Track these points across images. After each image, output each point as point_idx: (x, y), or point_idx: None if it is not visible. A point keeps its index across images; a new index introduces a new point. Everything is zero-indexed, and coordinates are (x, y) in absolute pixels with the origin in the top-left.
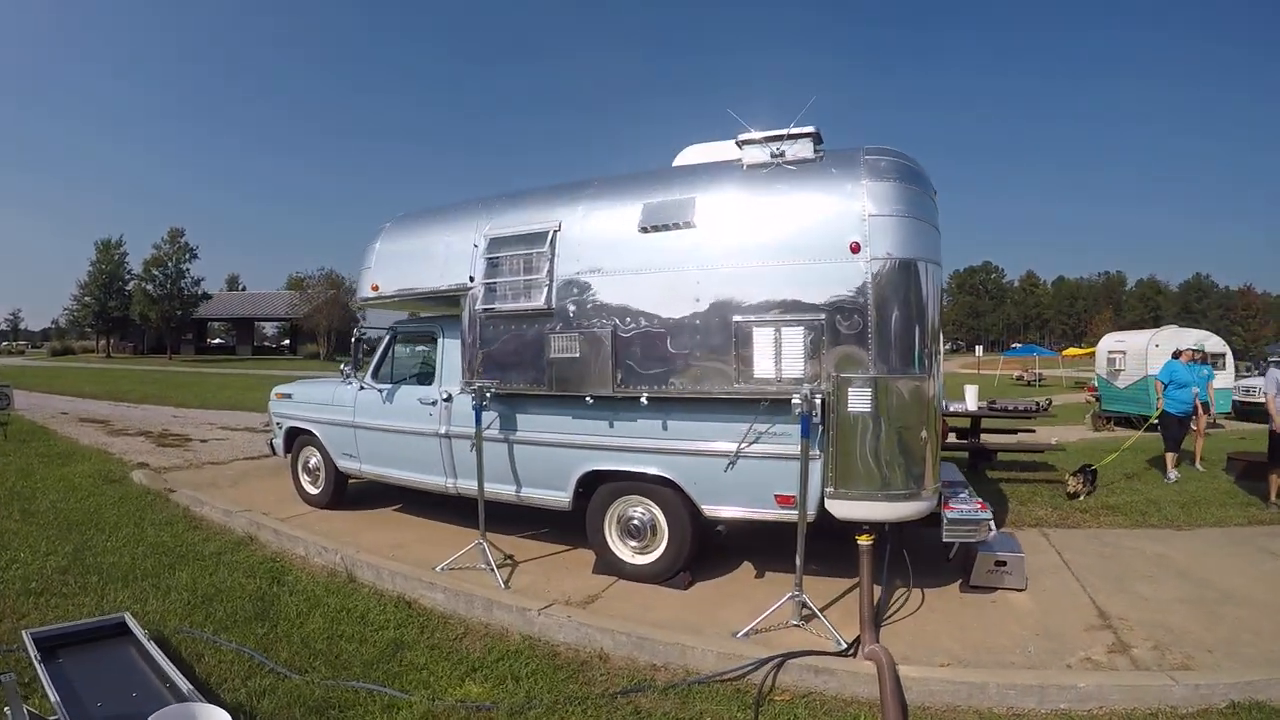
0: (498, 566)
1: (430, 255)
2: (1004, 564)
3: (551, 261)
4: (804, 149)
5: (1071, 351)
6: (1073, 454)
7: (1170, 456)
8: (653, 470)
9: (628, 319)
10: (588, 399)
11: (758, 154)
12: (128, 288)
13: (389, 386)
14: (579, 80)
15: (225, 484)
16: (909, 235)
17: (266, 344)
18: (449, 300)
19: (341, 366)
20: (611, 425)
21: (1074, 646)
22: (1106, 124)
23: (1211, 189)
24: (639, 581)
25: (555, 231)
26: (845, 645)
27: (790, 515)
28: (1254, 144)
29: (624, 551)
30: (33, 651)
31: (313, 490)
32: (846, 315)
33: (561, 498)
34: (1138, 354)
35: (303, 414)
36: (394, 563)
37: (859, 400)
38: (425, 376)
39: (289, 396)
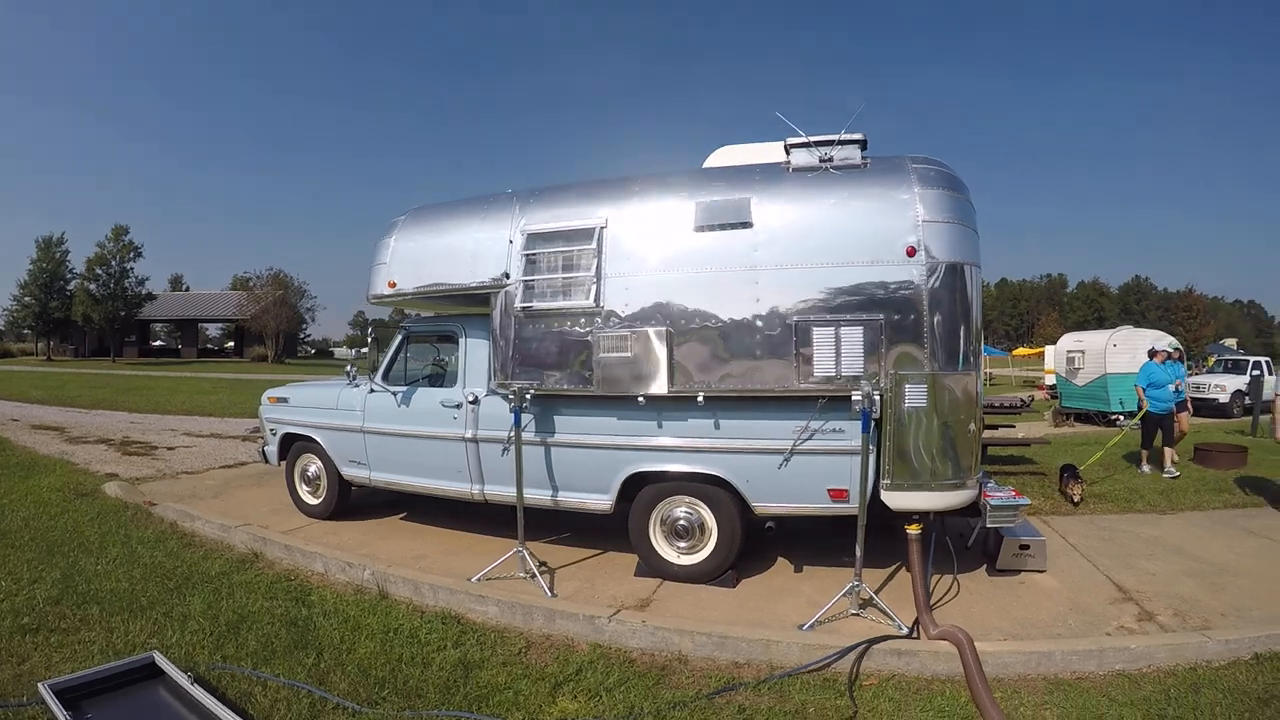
0: (537, 574)
1: (455, 251)
2: (1027, 548)
3: (599, 259)
4: (851, 155)
5: (1021, 351)
6: (1057, 447)
7: (1145, 454)
8: (704, 469)
9: (683, 318)
10: (640, 399)
11: (805, 158)
12: (69, 287)
13: (404, 389)
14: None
15: (207, 495)
16: (958, 240)
17: (209, 346)
18: (476, 298)
19: (347, 368)
20: (660, 425)
21: (1107, 617)
22: (1044, 124)
23: (1152, 194)
24: (686, 582)
25: (602, 228)
26: (907, 629)
27: (842, 508)
28: (1193, 146)
29: (670, 553)
30: (56, 708)
31: (312, 501)
32: (903, 315)
33: (603, 501)
34: (1096, 353)
35: (302, 419)
36: (434, 576)
37: (915, 396)
38: (445, 378)
39: (284, 401)
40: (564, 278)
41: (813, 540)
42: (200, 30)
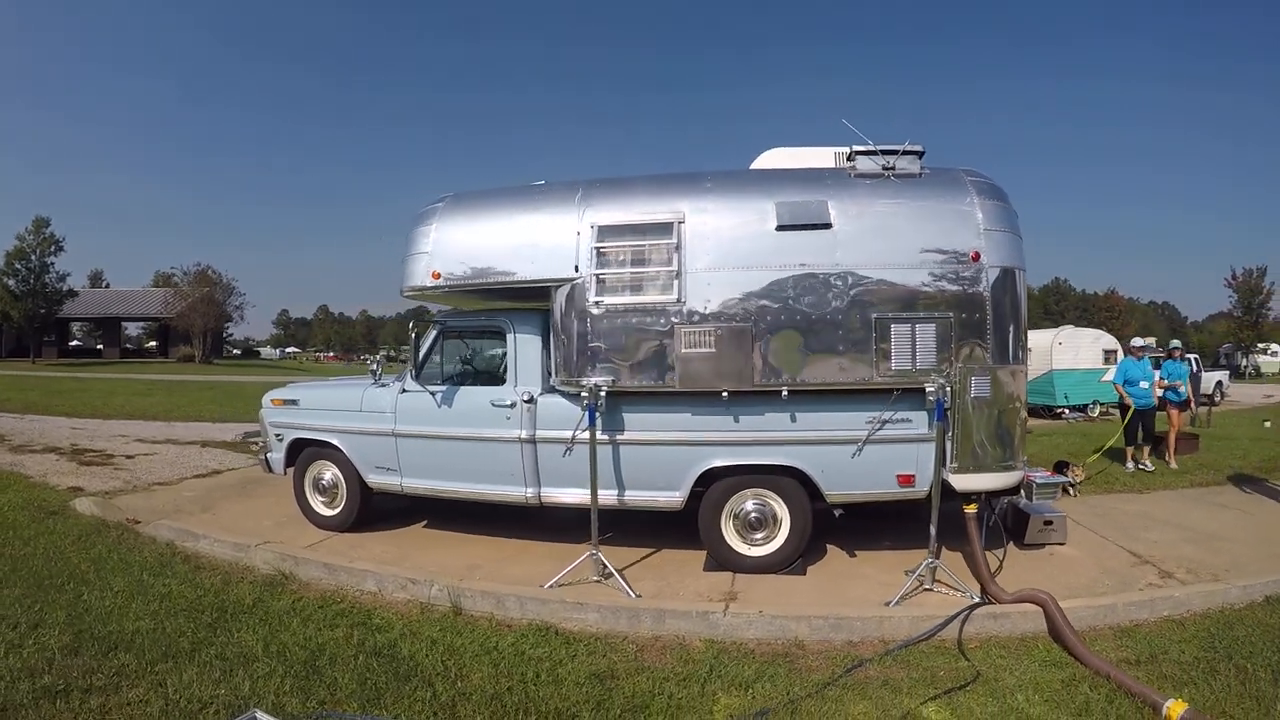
0: (605, 577)
1: (512, 242)
2: (1051, 523)
3: (678, 254)
4: (911, 165)
5: None
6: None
7: (1130, 450)
8: (780, 461)
9: (767, 314)
10: (723, 394)
11: (869, 165)
12: None
13: (443, 389)
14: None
15: (194, 508)
16: (1011, 247)
17: (128, 346)
18: (519, 292)
19: (371, 367)
20: (736, 420)
21: (1134, 577)
22: (961, 125)
23: (1071, 200)
24: (757, 573)
25: (680, 223)
26: (979, 598)
27: (908, 493)
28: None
29: (741, 545)
30: None
31: (327, 511)
32: (969, 314)
33: (675, 498)
34: (1042, 351)
35: (316, 423)
36: (517, 587)
37: (979, 387)
38: (492, 376)
39: (293, 403)
40: (641, 272)
41: (843, 526)
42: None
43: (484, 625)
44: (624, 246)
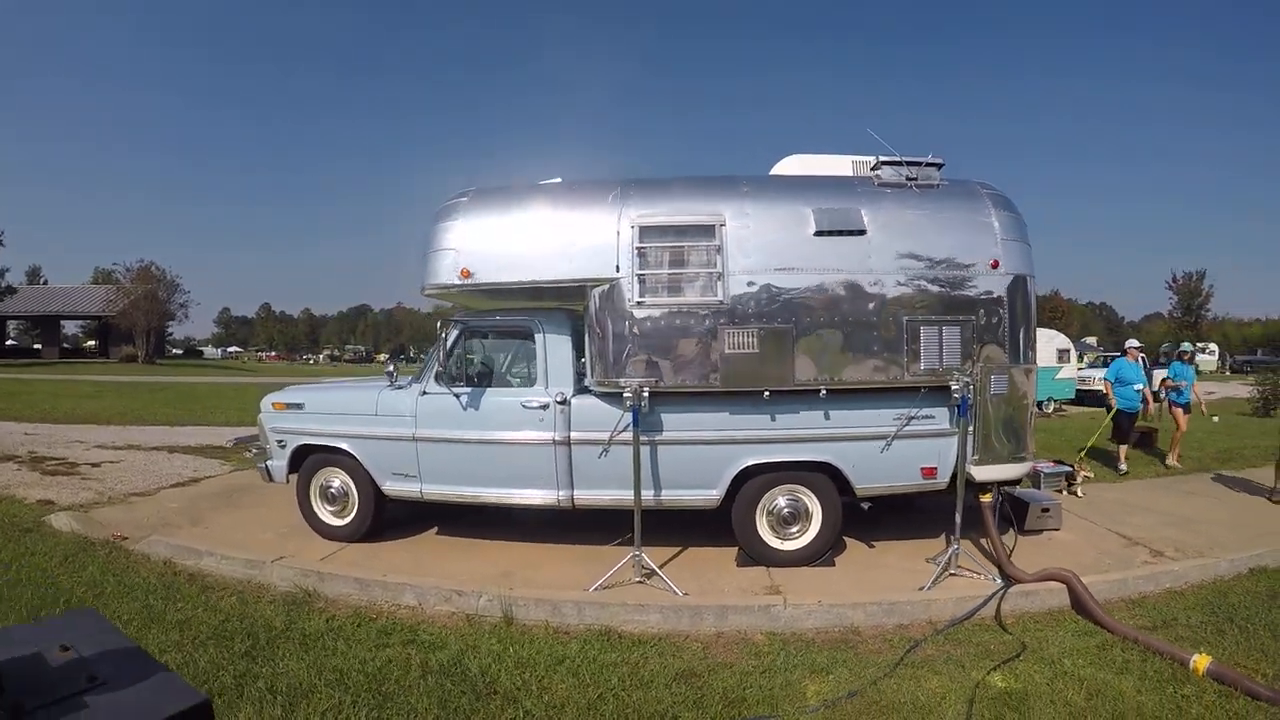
0: (646, 577)
1: (546, 240)
2: (1047, 510)
3: (721, 256)
4: (931, 175)
5: None
6: None
7: (1123, 449)
8: (814, 457)
9: (806, 315)
10: (765, 394)
11: (892, 175)
12: None
13: (468, 391)
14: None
15: (181, 521)
16: (1023, 256)
17: (65, 345)
18: (544, 291)
19: (387, 368)
20: (773, 418)
21: (1131, 557)
22: (899, 123)
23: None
24: (789, 567)
25: (721, 225)
26: (999, 580)
27: (930, 484)
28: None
29: (775, 540)
30: None
31: (336, 521)
32: (988, 317)
33: (712, 496)
34: None
35: (325, 428)
36: (576, 593)
37: (998, 385)
38: (518, 377)
39: (298, 407)
40: (684, 273)
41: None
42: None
43: (541, 634)
44: (666, 247)
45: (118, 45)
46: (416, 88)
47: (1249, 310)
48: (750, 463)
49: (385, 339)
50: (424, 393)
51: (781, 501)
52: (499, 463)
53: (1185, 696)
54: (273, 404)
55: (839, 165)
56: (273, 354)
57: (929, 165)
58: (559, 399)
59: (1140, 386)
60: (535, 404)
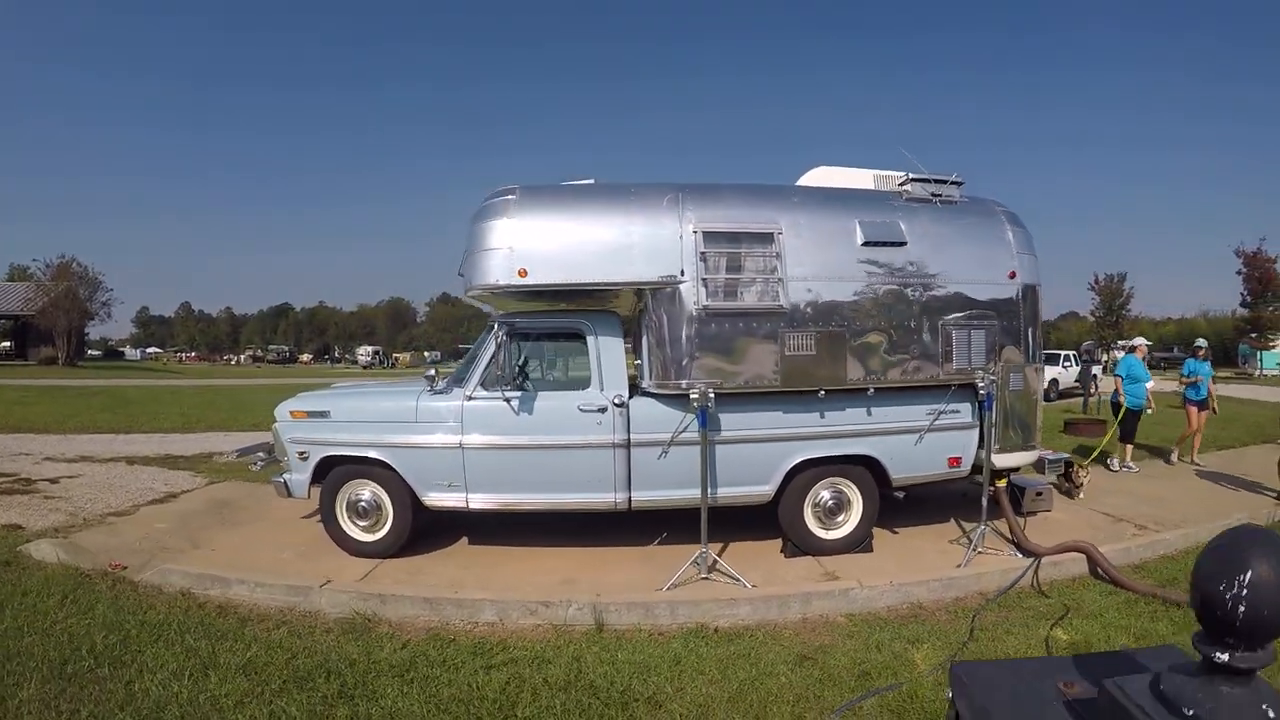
0: (709, 572)
1: (606, 242)
2: (1041, 494)
3: (780, 262)
4: (953, 193)
5: None
6: None
7: (1128, 448)
8: (859, 451)
9: (856, 320)
10: (820, 393)
11: (919, 190)
12: None
13: (518, 395)
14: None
15: (180, 544)
16: (1034, 267)
17: None
18: (591, 293)
19: (428, 372)
20: (822, 416)
21: (1120, 531)
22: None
23: None
24: (833, 555)
25: (779, 233)
26: (1023, 554)
27: (955, 473)
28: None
29: (820, 530)
30: None
31: (367, 537)
32: (1008, 321)
33: (765, 491)
34: None
35: (357, 438)
36: (664, 594)
37: (1016, 382)
38: (568, 381)
39: (322, 415)
40: (745, 278)
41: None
42: None
43: (639, 637)
44: (728, 253)
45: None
46: (344, 84)
47: (1160, 311)
48: (802, 458)
49: (308, 339)
50: (470, 398)
51: (826, 494)
52: (554, 468)
53: None
54: (290, 413)
55: (861, 179)
56: (193, 355)
57: (952, 183)
58: (617, 401)
59: (1151, 385)
60: (593, 407)
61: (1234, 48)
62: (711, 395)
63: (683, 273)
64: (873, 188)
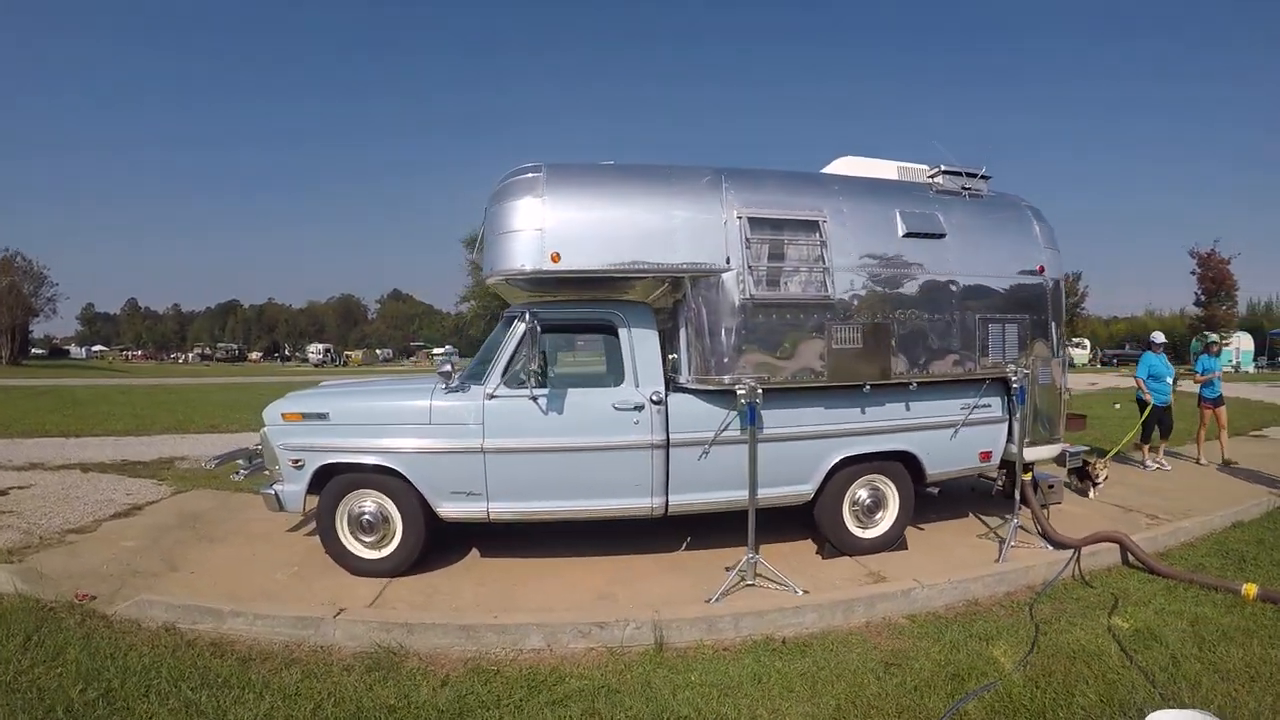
0: (754, 579)
1: (646, 226)
2: (1053, 486)
3: (825, 251)
4: (982, 186)
5: None
6: None
7: (1146, 448)
8: (899, 447)
9: (899, 312)
10: (866, 387)
11: (949, 183)
12: None
13: (545, 393)
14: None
15: (154, 566)
16: (1058, 263)
17: None
18: (655, 282)
19: (444, 367)
20: (863, 411)
21: (1134, 520)
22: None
23: None
24: (870, 554)
25: (823, 222)
26: (1051, 546)
27: (985, 467)
28: None
29: (858, 529)
30: None
31: (372, 554)
32: (1037, 316)
33: (806, 491)
34: None
35: (362, 443)
36: (725, 606)
37: (1044, 376)
38: (597, 376)
39: (320, 418)
40: (793, 267)
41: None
42: None
43: (703, 655)
44: (773, 240)
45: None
46: (289, 71)
47: (1106, 310)
48: (843, 455)
49: (256, 336)
50: (492, 396)
51: (863, 492)
52: (586, 472)
53: (1253, 614)
54: (283, 415)
55: (885, 169)
56: (140, 353)
57: (982, 177)
58: (655, 398)
59: (1171, 379)
60: (629, 405)
61: (1186, 48)
62: (760, 391)
63: (729, 260)
64: (896, 179)
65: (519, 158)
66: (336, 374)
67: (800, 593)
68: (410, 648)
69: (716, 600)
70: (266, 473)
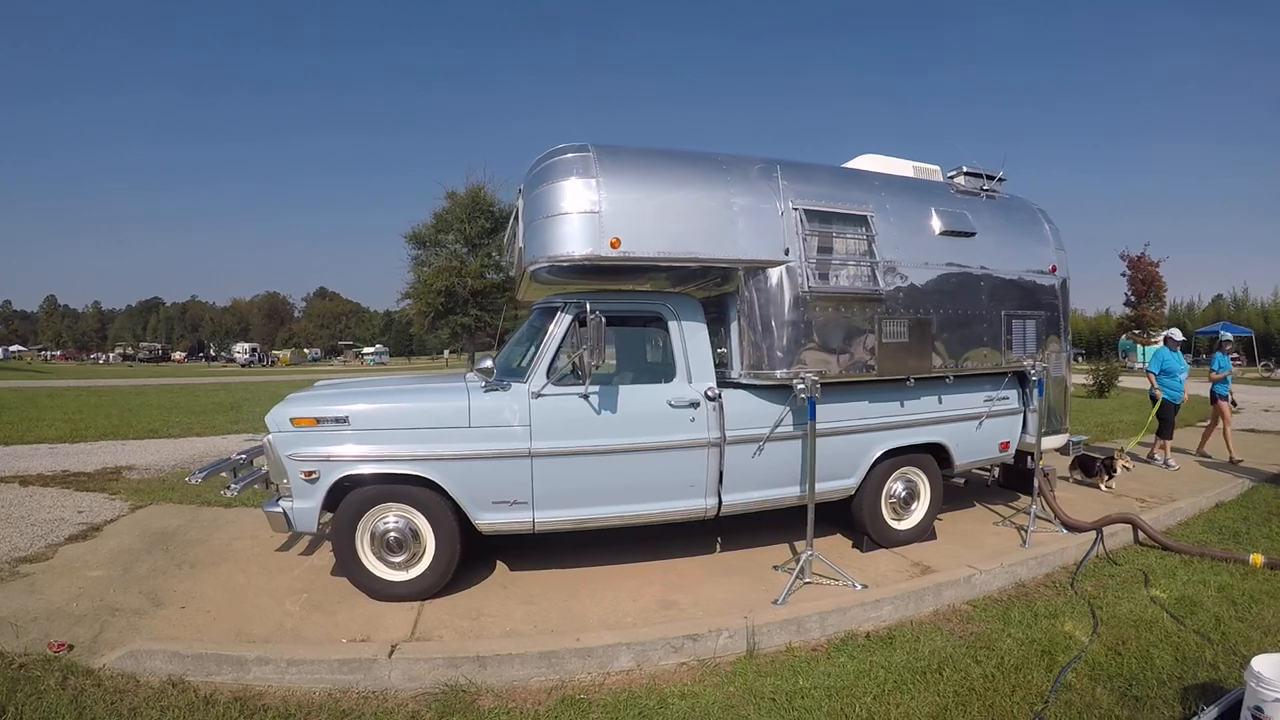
0: (820, 575)
1: (709, 213)
2: (1048, 475)
3: (874, 246)
4: (997, 187)
5: None
6: None
7: (1167, 444)
8: (934, 439)
9: (939, 307)
10: (910, 381)
11: (968, 184)
12: None
13: (597, 390)
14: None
15: (135, 601)
16: (1065, 262)
17: None
18: (703, 271)
19: (483, 363)
20: (901, 405)
21: (1128, 505)
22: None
23: None
24: (904, 545)
25: (871, 217)
26: (1066, 528)
27: (1003, 457)
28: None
29: (894, 521)
30: None
31: (397, 576)
32: (1051, 312)
33: (850, 485)
34: None
35: (389, 450)
36: (807, 605)
37: (1058, 369)
38: (644, 371)
39: (340, 423)
40: (846, 260)
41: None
42: None
43: (795, 657)
44: (823, 233)
45: None
46: (208, 62)
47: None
48: (887, 448)
49: (180, 336)
50: (537, 394)
51: (899, 485)
52: (641, 474)
53: (1267, 579)
54: (292, 420)
55: (902, 168)
56: (59, 353)
57: (998, 179)
58: (710, 394)
59: (1185, 376)
60: (685, 401)
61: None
62: (819, 385)
63: (788, 252)
64: (913, 177)
65: (467, 157)
66: (265, 375)
67: (859, 586)
68: (484, 684)
69: (783, 601)
70: (263, 487)
